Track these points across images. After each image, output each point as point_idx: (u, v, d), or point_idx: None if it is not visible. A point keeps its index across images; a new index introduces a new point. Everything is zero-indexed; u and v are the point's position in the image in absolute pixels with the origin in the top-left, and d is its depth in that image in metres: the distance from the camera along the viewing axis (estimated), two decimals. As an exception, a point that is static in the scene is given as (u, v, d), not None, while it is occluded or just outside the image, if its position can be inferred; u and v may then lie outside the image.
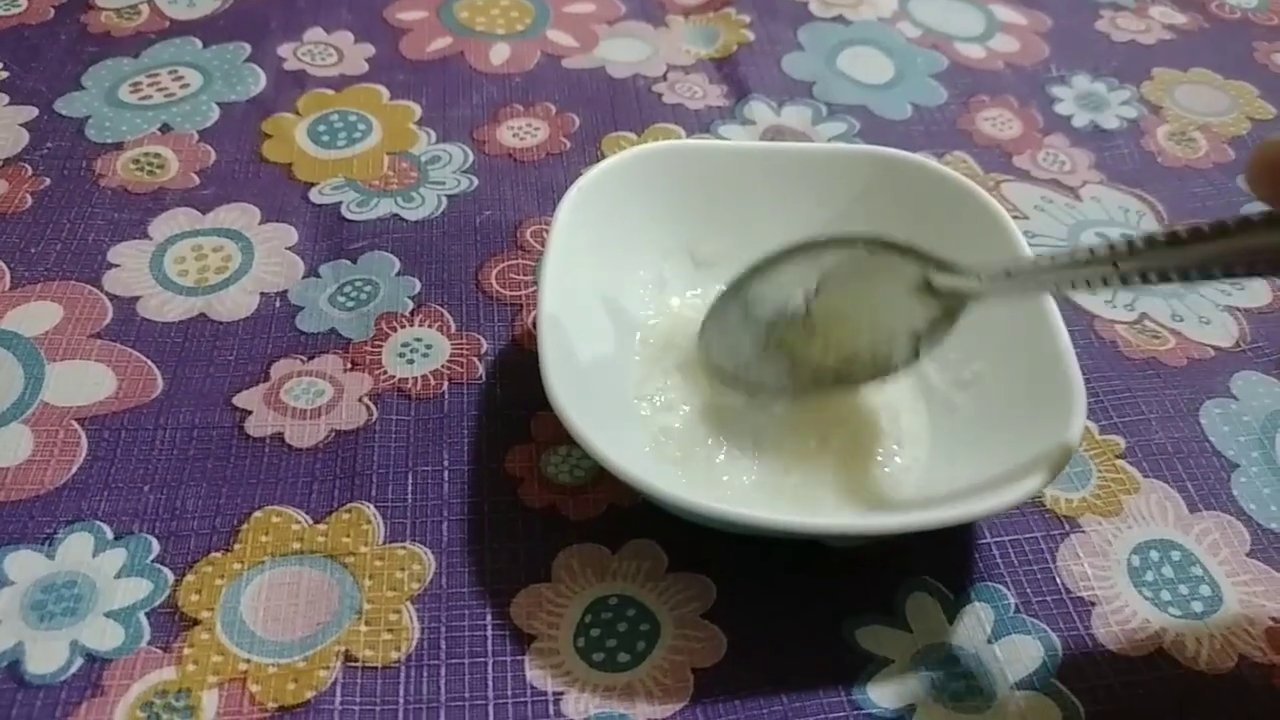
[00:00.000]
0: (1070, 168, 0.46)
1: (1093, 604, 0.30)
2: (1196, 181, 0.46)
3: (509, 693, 0.28)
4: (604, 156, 0.45)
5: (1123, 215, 0.44)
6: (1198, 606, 0.30)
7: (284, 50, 0.51)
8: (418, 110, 0.47)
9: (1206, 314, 0.39)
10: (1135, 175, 0.46)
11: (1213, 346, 0.38)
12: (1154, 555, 0.31)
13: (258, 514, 0.32)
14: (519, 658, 0.29)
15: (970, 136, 0.48)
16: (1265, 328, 0.39)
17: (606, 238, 0.35)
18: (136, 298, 0.38)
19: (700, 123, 0.47)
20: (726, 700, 0.28)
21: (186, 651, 0.28)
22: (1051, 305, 0.31)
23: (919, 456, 0.32)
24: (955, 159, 0.46)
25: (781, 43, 0.53)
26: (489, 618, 0.29)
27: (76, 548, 0.30)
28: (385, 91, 0.48)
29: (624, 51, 0.52)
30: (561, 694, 0.28)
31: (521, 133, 0.46)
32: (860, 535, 0.29)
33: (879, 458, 0.32)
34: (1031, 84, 0.51)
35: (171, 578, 0.30)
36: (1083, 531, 0.32)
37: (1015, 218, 0.37)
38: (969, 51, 0.53)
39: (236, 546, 0.31)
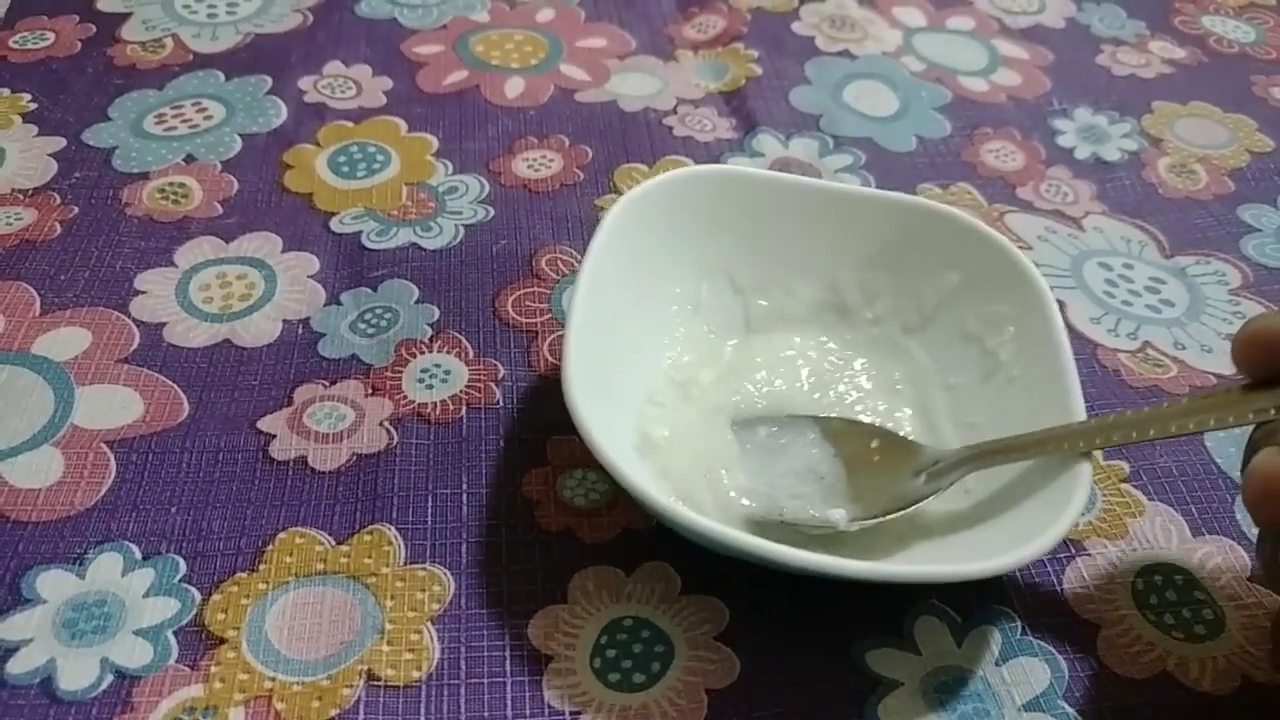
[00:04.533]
0: (1073, 199, 0.47)
1: (1098, 626, 0.31)
2: (1198, 213, 0.47)
3: (527, 712, 0.29)
4: (616, 188, 0.46)
5: (1125, 245, 0.45)
6: (1201, 630, 0.31)
7: (304, 83, 0.52)
8: (435, 142, 0.48)
9: (1209, 342, 0.40)
10: (1137, 206, 0.47)
11: (1214, 374, 0.39)
12: (1158, 579, 0.32)
13: (282, 535, 0.32)
14: (537, 678, 0.29)
15: (974, 168, 0.49)
16: (1265, 356, 0.39)
17: (644, 254, 0.36)
18: (163, 324, 0.39)
19: (710, 155, 0.48)
20: (740, 720, 0.29)
21: (213, 669, 0.29)
22: (1070, 362, 0.32)
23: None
24: (960, 190, 0.47)
25: (789, 77, 0.54)
26: (507, 638, 0.30)
27: (106, 567, 0.31)
28: (403, 124, 0.50)
29: (635, 86, 0.53)
30: (579, 714, 0.29)
31: (536, 164, 0.47)
32: (871, 580, 0.29)
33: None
34: (1034, 117, 0.52)
35: (198, 597, 0.31)
36: (1088, 555, 0.33)
37: (1020, 248, 0.38)
38: (972, 85, 0.55)
39: (261, 567, 0.31)
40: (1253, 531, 0.33)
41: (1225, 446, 0.36)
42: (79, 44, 0.53)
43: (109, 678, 0.29)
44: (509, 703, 0.29)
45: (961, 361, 0.35)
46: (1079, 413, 0.31)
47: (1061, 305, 0.36)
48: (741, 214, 0.38)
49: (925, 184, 0.47)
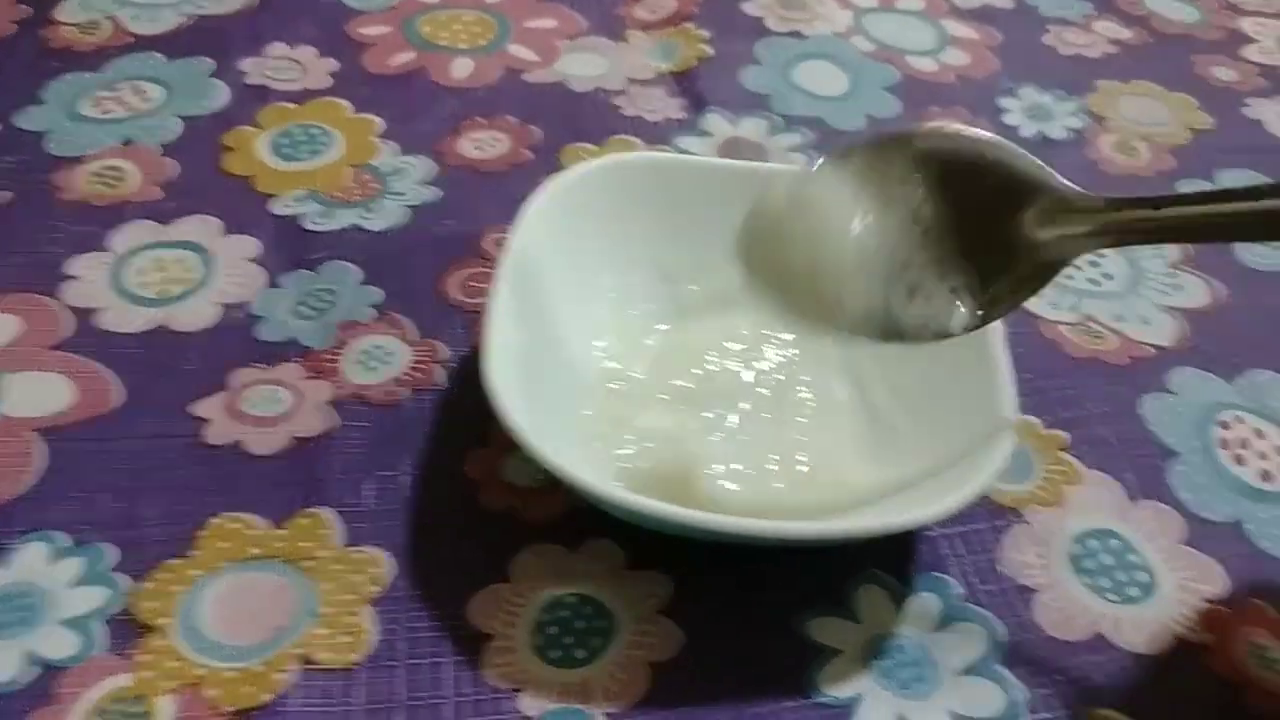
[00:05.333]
0: (1018, 176, 0.47)
1: (1035, 591, 0.31)
2: (1139, 189, 0.47)
3: (467, 692, 0.28)
4: (564, 168, 0.45)
5: (1068, 221, 0.45)
6: (1135, 592, 0.31)
7: (246, 65, 0.51)
8: (380, 124, 0.48)
9: (1147, 314, 0.40)
10: (1081, 183, 0.46)
11: (1153, 345, 0.39)
12: (1094, 544, 0.32)
13: (216, 521, 0.32)
14: (476, 657, 0.29)
15: (921, 146, 0.49)
16: (1204, 325, 0.40)
17: (570, 243, 0.36)
18: (96, 310, 0.38)
19: (659, 135, 0.48)
20: (683, 692, 0.29)
21: (142, 658, 0.28)
22: None
23: (861, 460, 0.33)
24: (907, 168, 0.47)
25: (739, 57, 0.54)
26: (447, 619, 0.30)
27: (31, 557, 0.30)
28: (348, 105, 0.49)
29: (584, 66, 0.53)
30: (518, 691, 0.28)
31: (483, 145, 0.47)
32: (805, 541, 0.29)
33: (820, 462, 0.33)
34: (982, 96, 0.52)
35: (129, 585, 0.30)
36: (1026, 522, 0.33)
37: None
38: (921, 65, 0.55)
39: (194, 553, 0.31)
40: (1184, 496, 0.33)
41: (1160, 415, 0.36)
42: (14, 26, 0.52)
43: (33, 670, 0.28)
44: (448, 683, 0.29)
45: None
46: (1002, 361, 0.31)
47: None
48: (665, 199, 0.37)
49: (872, 162, 0.47)
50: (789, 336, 0.37)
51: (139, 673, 0.28)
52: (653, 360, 0.36)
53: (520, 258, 0.33)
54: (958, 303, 0.29)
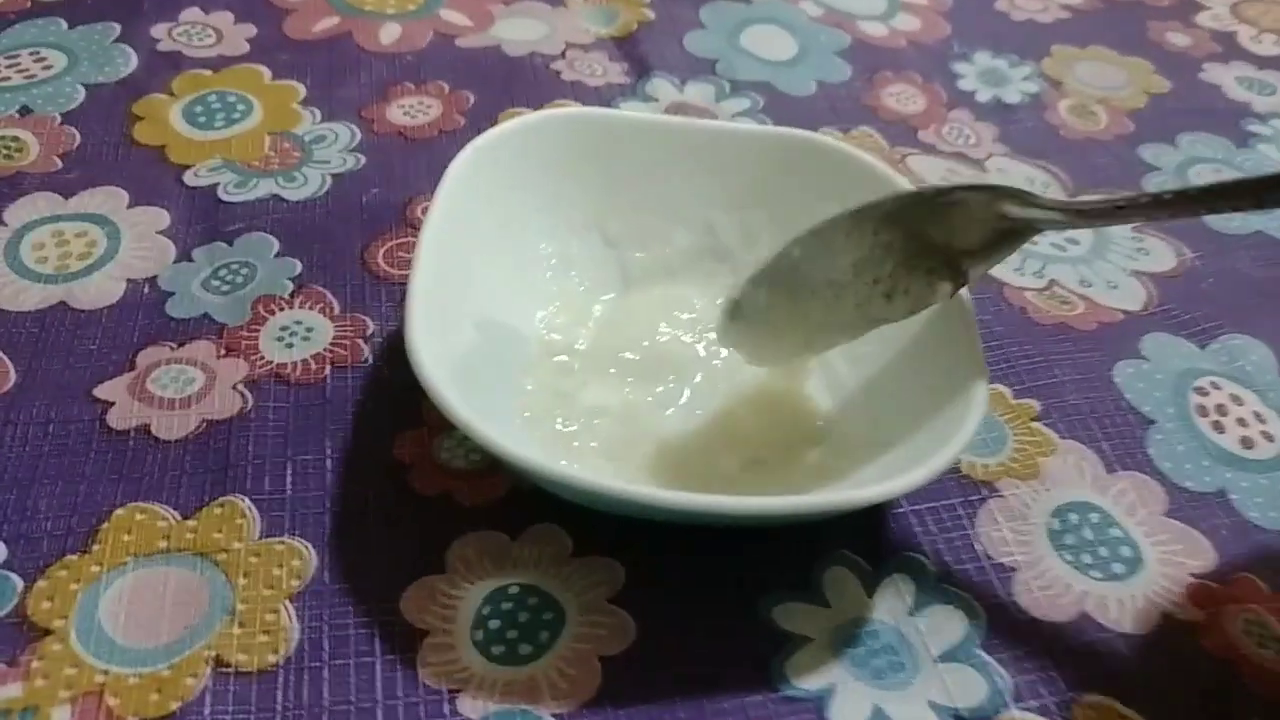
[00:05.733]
0: (975, 141, 0.46)
1: (1014, 570, 0.29)
2: (1099, 153, 0.46)
3: (400, 694, 0.26)
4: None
5: (1028, 186, 0.43)
6: (1119, 568, 0.29)
7: (158, 31, 0.48)
8: (302, 90, 0.45)
9: (1114, 279, 0.39)
10: (1039, 148, 0.46)
11: (1122, 310, 0.37)
12: (1073, 518, 0.30)
13: (119, 512, 0.29)
14: (410, 655, 0.26)
15: (875, 112, 0.47)
16: (1172, 290, 0.38)
17: (502, 207, 0.33)
18: (-14, 287, 0.35)
19: (601, 99, 0.46)
20: (637, 688, 0.26)
21: (35, 665, 0.25)
22: None
23: (825, 434, 0.31)
24: (861, 134, 0.45)
25: (682, 22, 0.52)
26: (376, 614, 0.27)
27: (-94, 557, 0.27)
28: (267, 72, 0.46)
29: (520, 31, 0.50)
30: (458, 692, 0.26)
31: (413, 111, 0.44)
32: (765, 517, 0.27)
33: (781, 438, 0.31)
34: (934, 61, 0.51)
35: (20, 585, 0.27)
36: (1001, 496, 0.31)
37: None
38: (871, 30, 0.53)
39: (95, 548, 0.28)
40: (1165, 466, 0.32)
41: (1134, 382, 0.34)
42: (-100, -10, 0.48)
43: (-94, 681, 0.25)
44: (379, 685, 0.26)
45: None
46: (969, 320, 0.29)
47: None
48: (604, 160, 0.35)
49: (826, 127, 0.45)
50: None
51: (31, 681, 0.25)
52: (598, 331, 0.34)
53: (446, 221, 0.30)
54: (936, 281, 0.29)
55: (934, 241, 0.28)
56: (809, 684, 0.26)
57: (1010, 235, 0.28)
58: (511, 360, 0.32)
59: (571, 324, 0.34)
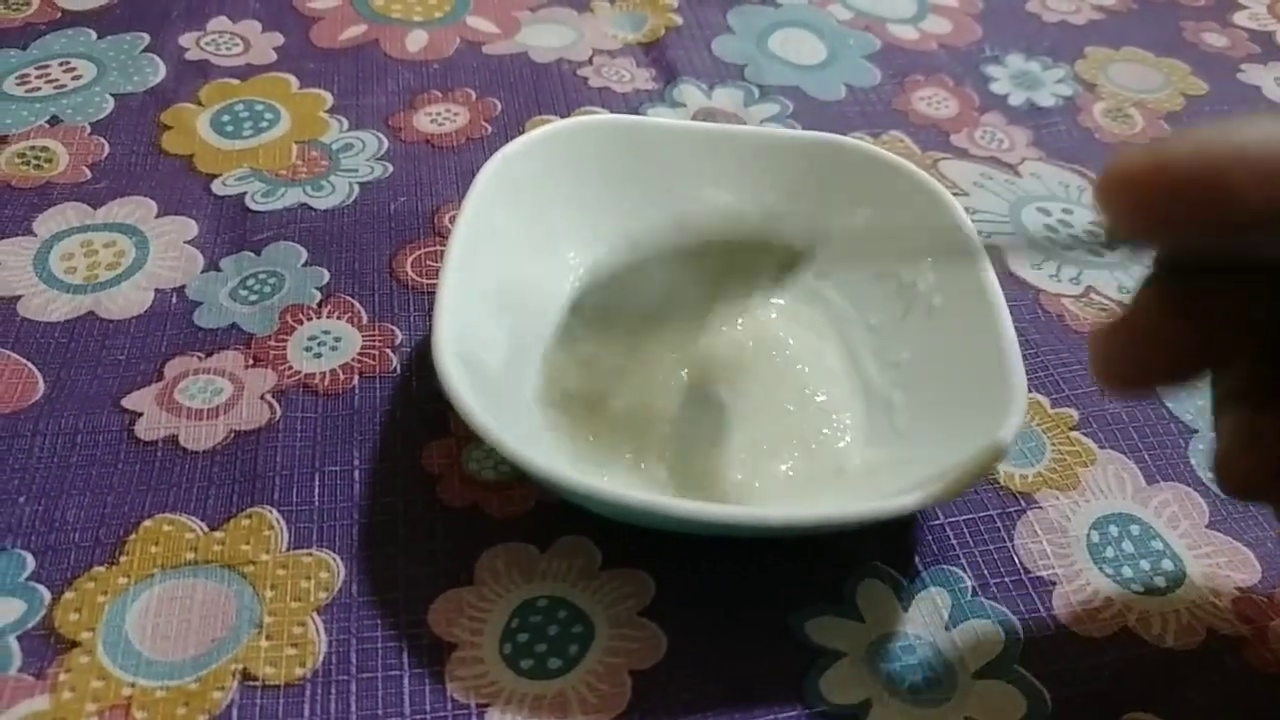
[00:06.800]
0: (1008, 145, 0.45)
1: (1053, 583, 0.28)
2: (1135, 156, 0.45)
3: (427, 707, 0.25)
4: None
5: (1063, 190, 0.43)
6: (1160, 582, 0.28)
7: (186, 40, 0.48)
8: (329, 99, 0.45)
9: (1153, 285, 0.38)
10: (1074, 151, 0.45)
11: (1160, 317, 0.36)
12: (1113, 530, 0.30)
13: (147, 523, 0.29)
14: (438, 669, 0.26)
15: (906, 116, 0.46)
16: (1212, 297, 0.37)
17: (530, 214, 0.33)
18: (17, 297, 0.35)
19: (628, 105, 0.45)
20: (667, 703, 0.26)
21: (63, 677, 0.25)
22: (992, 281, 0.29)
23: (858, 444, 0.31)
24: (892, 139, 0.45)
25: (710, 26, 0.51)
26: (404, 627, 0.27)
27: (-65, 568, 0.27)
28: (294, 80, 0.46)
29: (547, 37, 0.50)
30: (486, 706, 0.25)
31: (440, 118, 0.44)
32: (799, 527, 0.26)
33: (814, 447, 0.31)
34: (966, 64, 0.50)
35: (48, 596, 0.27)
36: (1040, 507, 0.30)
37: (955, 194, 0.35)
38: (901, 33, 0.52)
39: (122, 559, 0.28)
40: (1207, 476, 0.31)
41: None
42: (-68, 2, 0.48)
43: (-65, 694, 0.25)
44: (406, 698, 0.25)
45: (880, 299, 0.33)
46: (1007, 329, 0.28)
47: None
48: (633, 167, 0.35)
49: (856, 132, 0.45)
50: (779, 302, 0.34)
51: (58, 694, 0.25)
52: (627, 337, 0.33)
53: (474, 231, 0.30)
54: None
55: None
56: (844, 699, 0.26)
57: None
58: (539, 369, 0.32)
59: (600, 330, 0.33)
